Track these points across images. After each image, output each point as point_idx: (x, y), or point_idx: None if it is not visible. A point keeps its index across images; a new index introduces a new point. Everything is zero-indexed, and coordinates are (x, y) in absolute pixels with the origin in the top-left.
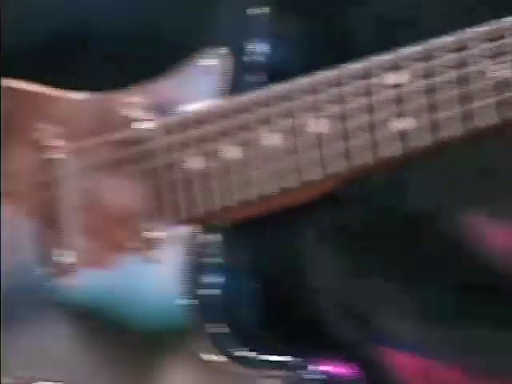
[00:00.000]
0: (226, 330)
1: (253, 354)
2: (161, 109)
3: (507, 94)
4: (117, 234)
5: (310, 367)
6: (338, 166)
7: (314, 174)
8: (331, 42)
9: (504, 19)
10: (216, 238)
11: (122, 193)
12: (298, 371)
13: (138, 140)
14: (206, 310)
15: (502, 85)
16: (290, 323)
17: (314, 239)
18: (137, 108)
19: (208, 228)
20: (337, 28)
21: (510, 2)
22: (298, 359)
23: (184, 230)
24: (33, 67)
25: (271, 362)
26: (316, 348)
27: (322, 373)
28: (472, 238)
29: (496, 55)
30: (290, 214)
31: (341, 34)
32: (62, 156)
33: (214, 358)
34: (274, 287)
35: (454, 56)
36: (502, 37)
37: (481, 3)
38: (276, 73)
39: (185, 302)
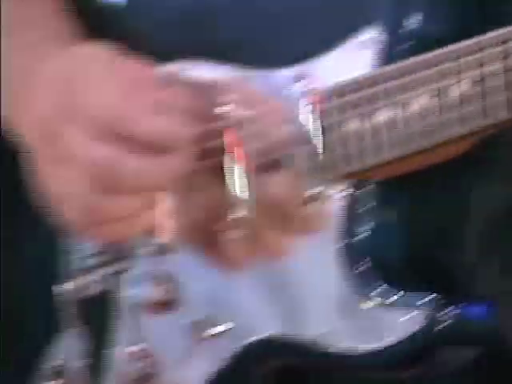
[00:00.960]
0: (375, 272)
1: (397, 294)
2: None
3: None
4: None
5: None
6: (477, 123)
7: (454, 131)
8: (483, 18)
9: None
10: (367, 192)
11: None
12: (438, 310)
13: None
14: (357, 253)
15: None
16: (430, 267)
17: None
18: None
19: (360, 183)
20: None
21: None
22: (438, 299)
23: (339, 187)
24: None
25: (413, 301)
26: (452, 291)
27: (459, 313)
28: None
29: None
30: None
31: (494, 12)
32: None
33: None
34: (419, 238)
35: None
36: None
37: None
38: (427, 44)
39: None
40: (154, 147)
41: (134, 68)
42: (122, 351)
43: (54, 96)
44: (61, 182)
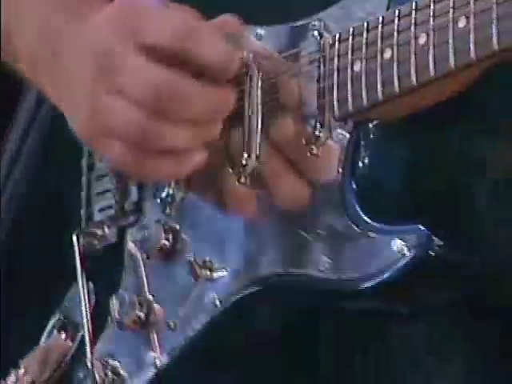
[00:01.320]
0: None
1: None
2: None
3: None
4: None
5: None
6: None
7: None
8: None
9: None
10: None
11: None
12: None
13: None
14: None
15: None
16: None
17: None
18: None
19: (360, 127)
20: None
21: None
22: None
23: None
24: None
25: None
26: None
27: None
28: None
29: None
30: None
31: None
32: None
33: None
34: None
35: None
36: None
37: None
38: None
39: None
40: (210, 74)
41: (185, 9)
42: (123, 300)
43: (112, 29)
44: (117, 112)
